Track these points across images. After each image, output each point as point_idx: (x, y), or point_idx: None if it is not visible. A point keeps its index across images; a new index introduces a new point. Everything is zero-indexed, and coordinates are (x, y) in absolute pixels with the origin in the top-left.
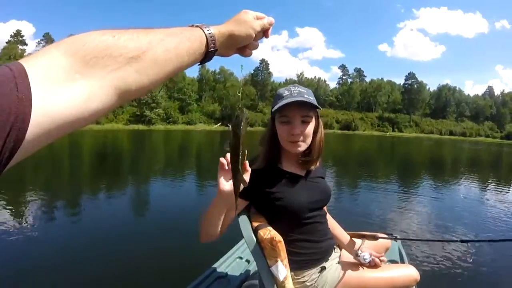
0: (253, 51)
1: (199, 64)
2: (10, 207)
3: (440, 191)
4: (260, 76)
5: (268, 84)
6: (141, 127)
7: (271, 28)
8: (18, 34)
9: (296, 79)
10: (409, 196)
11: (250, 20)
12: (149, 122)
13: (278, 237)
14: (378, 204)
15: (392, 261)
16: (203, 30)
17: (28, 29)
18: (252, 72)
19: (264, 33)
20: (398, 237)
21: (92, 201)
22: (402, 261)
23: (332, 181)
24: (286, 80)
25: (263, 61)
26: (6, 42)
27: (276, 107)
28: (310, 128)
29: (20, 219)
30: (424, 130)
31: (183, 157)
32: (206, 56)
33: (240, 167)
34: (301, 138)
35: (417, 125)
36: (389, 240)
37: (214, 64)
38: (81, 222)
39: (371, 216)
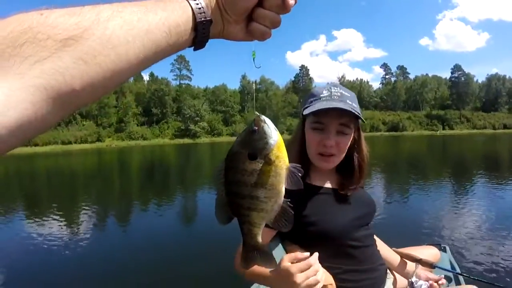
0: (273, 31)
1: (194, 49)
2: (64, 220)
3: (501, 195)
4: (301, 83)
5: (310, 90)
6: (186, 140)
7: None
8: None
9: (338, 82)
10: (463, 202)
11: None
12: (194, 135)
13: (329, 278)
14: (427, 212)
15: (446, 276)
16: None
17: None
18: (293, 79)
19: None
20: (464, 274)
21: (140, 213)
22: (453, 270)
23: (377, 187)
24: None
25: (303, 67)
26: None
27: (309, 109)
28: (347, 141)
29: (73, 230)
30: (476, 126)
31: None
32: (198, 32)
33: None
34: (335, 151)
35: (469, 121)
36: (438, 251)
37: (255, 74)
38: (129, 233)
39: (420, 225)
